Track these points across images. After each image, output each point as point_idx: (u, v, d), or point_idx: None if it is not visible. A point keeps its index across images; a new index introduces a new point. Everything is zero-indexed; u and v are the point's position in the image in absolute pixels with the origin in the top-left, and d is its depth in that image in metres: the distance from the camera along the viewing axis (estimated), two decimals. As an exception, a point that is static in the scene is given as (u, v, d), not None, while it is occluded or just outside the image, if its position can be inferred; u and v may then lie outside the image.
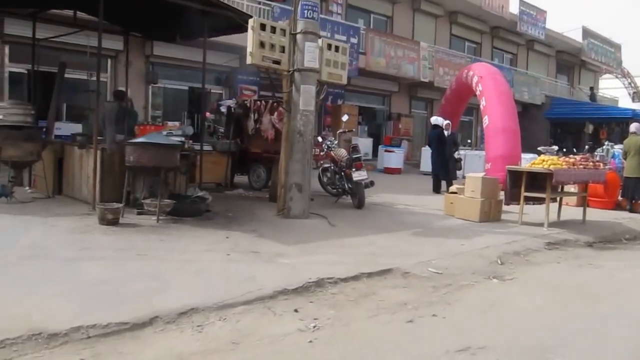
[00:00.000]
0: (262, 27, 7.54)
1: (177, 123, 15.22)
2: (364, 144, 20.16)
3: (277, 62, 7.76)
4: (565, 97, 30.82)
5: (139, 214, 7.53)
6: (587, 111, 27.46)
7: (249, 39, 7.47)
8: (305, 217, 8.16)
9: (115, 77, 15.42)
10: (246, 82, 17.78)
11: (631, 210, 11.42)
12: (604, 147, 15.45)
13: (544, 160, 8.64)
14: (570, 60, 32.63)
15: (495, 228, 8.51)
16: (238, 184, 11.55)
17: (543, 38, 28.48)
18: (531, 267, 6.53)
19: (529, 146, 24.06)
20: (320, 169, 10.64)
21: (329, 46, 8.49)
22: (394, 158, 18.83)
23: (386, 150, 19.08)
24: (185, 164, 8.47)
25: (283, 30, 7.83)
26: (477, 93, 16.45)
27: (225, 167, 10.97)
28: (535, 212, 9.47)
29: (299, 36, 8.00)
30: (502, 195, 9.39)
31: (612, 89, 39.82)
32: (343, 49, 8.72)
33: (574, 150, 24.88)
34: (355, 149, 9.85)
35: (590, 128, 27.20)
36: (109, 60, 15.18)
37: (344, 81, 8.84)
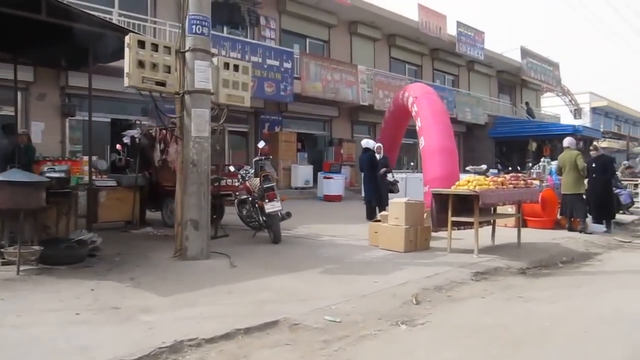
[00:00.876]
0: (141, 44, 6.53)
1: (95, 157, 14.00)
2: (304, 171, 19.31)
3: (162, 84, 6.75)
4: (509, 116, 30.70)
5: (3, 264, 6.35)
6: (530, 129, 27.28)
7: (126, 58, 6.45)
8: (205, 258, 7.09)
9: (26, 111, 14.16)
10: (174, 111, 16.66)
11: (570, 229, 10.71)
12: (541, 163, 14.86)
13: (469, 181, 7.81)
14: (511, 79, 32.66)
15: (421, 258, 7.59)
16: (150, 221, 10.42)
17: (482, 58, 28.35)
18: (451, 304, 5.59)
19: (476, 166, 23.70)
20: (237, 201, 9.60)
21: (227, 65, 7.53)
22: (334, 185, 17.93)
23: (325, 177, 18.18)
24: (66, 202, 7.33)
25: (168, 48, 6.84)
26: (412, 114, 15.78)
27: (132, 204, 9.83)
28: (469, 237, 8.61)
29: (187, 54, 7.02)
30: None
31: (554, 107, 40.18)
32: (244, 68, 7.78)
33: (518, 168, 24.59)
34: (267, 177, 8.87)
35: (533, 145, 26.96)
36: (19, 93, 13.91)
37: (247, 103, 7.87)
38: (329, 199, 17.62)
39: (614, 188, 14.39)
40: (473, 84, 29.96)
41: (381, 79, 22.05)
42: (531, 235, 10.12)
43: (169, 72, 6.79)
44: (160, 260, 7.09)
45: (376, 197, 11.88)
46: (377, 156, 12.60)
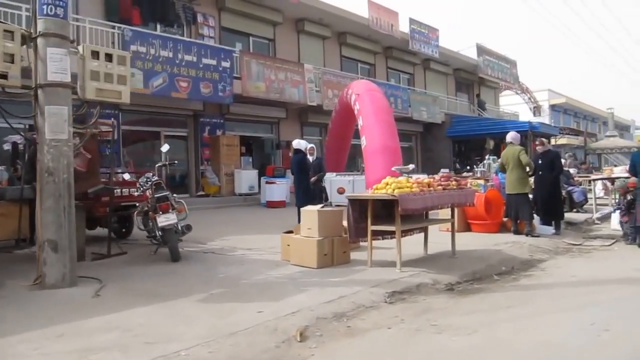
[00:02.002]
0: (-30, 26, 5.24)
1: None
2: (248, 176, 18.08)
3: (4, 76, 5.45)
4: (467, 114, 29.89)
5: None
6: (487, 127, 26.43)
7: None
8: (69, 285, 5.81)
9: None
10: (103, 115, 15.22)
11: (516, 232, 9.68)
12: (486, 161, 13.87)
13: (387, 184, 6.65)
14: (469, 77, 31.90)
15: (334, 276, 6.41)
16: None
17: (438, 56, 27.48)
18: (346, 340, 4.42)
19: (434, 166, 22.66)
20: (135, 213, 8.30)
21: (95, 54, 6.25)
22: (277, 190, 16.71)
23: (268, 182, 16.94)
24: None
25: (10, 33, 5.54)
26: (355, 112, 14.68)
27: (18, 219, 8.44)
28: (406, 244, 7.52)
29: (39, 41, 5.73)
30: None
31: (514, 105, 39.63)
32: (120, 58, 6.51)
33: (474, 167, 23.72)
34: (159, 186, 7.60)
35: (491, 144, 26.14)
36: None
37: (126, 99, 6.60)
38: (272, 205, 16.41)
39: (566, 185, 13.51)
40: (429, 82, 29.06)
41: (330, 78, 20.92)
42: (473, 240, 9.07)
43: (12, 61, 5.49)
44: (14, 289, 5.79)
45: (306, 203, 10.67)
46: (310, 158, 11.43)
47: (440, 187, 7.13)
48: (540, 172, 10.10)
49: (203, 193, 17.64)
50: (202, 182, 17.88)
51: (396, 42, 25.34)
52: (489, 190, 10.41)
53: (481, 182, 10.76)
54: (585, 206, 13.76)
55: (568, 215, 12.45)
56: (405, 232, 7.49)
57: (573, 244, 9.29)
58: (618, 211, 9.77)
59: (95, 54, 6.24)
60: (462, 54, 30.14)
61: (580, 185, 14.63)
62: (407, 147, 27.90)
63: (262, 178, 17.46)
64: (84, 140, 6.81)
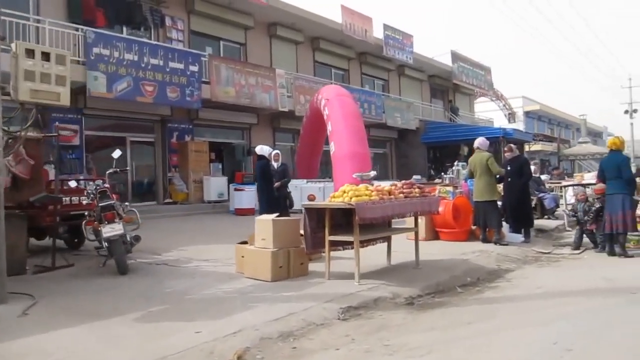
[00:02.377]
0: None
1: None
2: (218, 183, 17.60)
3: None
4: (443, 121, 29.73)
5: None
6: (461, 133, 26.26)
7: None
8: (-2, 303, 5.31)
9: None
10: (64, 120, 14.69)
11: (484, 240, 9.38)
12: (454, 167, 13.61)
13: (344, 192, 6.28)
14: (443, 84, 31.79)
15: (288, 290, 6.00)
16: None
17: (412, 62, 27.28)
18: (289, 364, 4.02)
19: (409, 173, 22.38)
20: (84, 222, 7.78)
21: (30, 52, 5.78)
22: (245, 197, 16.22)
23: (236, 189, 16.47)
24: None
25: None
26: (324, 117, 14.36)
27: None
28: (370, 254, 7.18)
29: (-37, 35, 5.26)
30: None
31: (489, 112, 39.68)
32: (59, 57, 6.05)
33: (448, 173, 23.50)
34: (104, 194, 7.12)
35: (465, 150, 25.93)
36: None
37: (65, 102, 6.13)
38: (240, 212, 15.92)
39: (537, 192, 13.29)
40: (404, 88, 28.85)
41: (302, 84, 20.54)
42: (440, 249, 8.73)
43: None
44: None
45: (269, 211, 10.24)
46: (275, 165, 11.02)
47: (402, 194, 6.77)
48: (509, 179, 9.82)
49: (170, 200, 17.10)
50: (170, 189, 17.34)
51: (370, 48, 25.09)
52: (457, 197, 10.11)
53: (450, 189, 10.46)
54: (556, 212, 13.53)
55: (539, 223, 12.21)
56: (366, 242, 7.15)
57: (542, 253, 9.02)
58: (573, 217, 9.50)
59: (30, 53, 5.77)
60: (436, 60, 30.00)
61: (552, 191, 14.42)
62: (381, 153, 27.69)
63: (230, 185, 16.99)
64: (18, 145, 6.31)
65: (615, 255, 8.27)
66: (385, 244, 7.56)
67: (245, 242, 7.06)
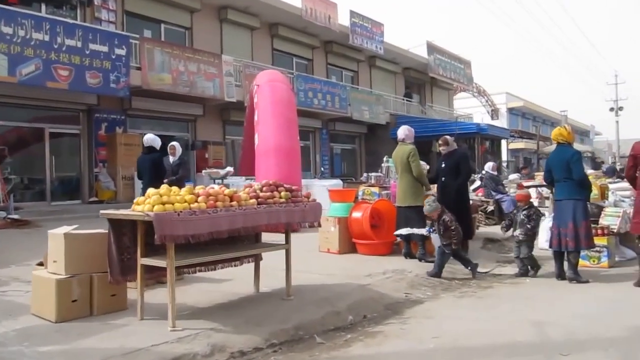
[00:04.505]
0: None
1: None
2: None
3: None
4: (418, 116, 27.66)
5: None
6: (433, 128, 24.21)
7: None
8: None
9: None
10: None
11: (408, 255, 7.36)
12: (384, 164, 11.59)
13: (148, 197, 4.22)
14: (420, 77, 29.70)
15: (65, 340, 3.98)
16: None
17: (382, 53, 25.20)
18: None
19: (378, 170, 20.41)
20: None
21: None
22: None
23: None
24: None
25: None
26: (254, 105, 12.30)
27: None
28: (229, 275, 5.21)
29: None
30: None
31: (471, 108, 37.67)
32: None
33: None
34: None
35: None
36: None
37: None
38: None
39: (494, 193, 11.29)
40: (376, 81, 26.77)
41: (254, 72, 18.40)
42: (343, 268, 6.74)
43: None
44: None
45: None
46: (170, 159, 8.99)
47: (254, 200, 4.72)
48: (443, 178, 7.79)
49: (96, 199, 15.04)
50: (96, 186, 15.29)
51: (336, 36, 23.02)
52: (379, 201, 8.07)
53: (375, 190, 8.43)
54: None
55: (491, 230, 10.24)
56: (220, 263, 5.13)
57: (480, 272, 6.99)
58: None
59: None
60: (411, 52, 27.91)
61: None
62: (349, 149, 25.71)
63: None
64: None
65: (565, 280, 6.26)
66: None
67: (40, 264, 5.03)
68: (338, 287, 5.75)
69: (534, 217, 6.68)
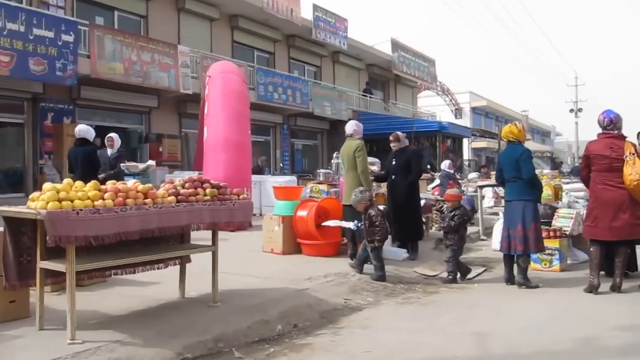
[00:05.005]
0: None
1: None
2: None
3: None
4: (382, 113, 27.35)
5: None
6: (396, 125, 23.94)
7: None
8: None
9: None
10: None
11: (354, 257, 6.93)
12: (333, 160, 11.20)
13: (44, 191, 3.68)
14: (384, 74, 29.41)
15: None
16: None
17: (346, 48, 24.79)
18: None
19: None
20: None
21: None
22: (125, 190, 13.49)
23: (113, 181, 13.70)
24: None
25: None
26: (205, 98, 11.76)
27: None
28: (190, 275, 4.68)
29: None
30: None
31: (436, 106, 37.62)
32: None
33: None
34: None
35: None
36: None
37: None
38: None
39: (451, 192, 10.95)
40: (339, 77, 26.34)
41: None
42: (282, 269, 6.31)
43: None
44: None
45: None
46: (108, 151, 8.39)
47: (172, 197, 4.23)
48: (393, 176, 7.42)
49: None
50: (40, 179, 14.44)
51: (299, 30, 22.50)
52: (325, 199, 7.64)
53: (324, 187, 8.00)
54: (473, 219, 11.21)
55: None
56: (143, 265, 4.63)
57: (426, 275, 6.64)
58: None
59: None
60: (375, 48, 27.57)
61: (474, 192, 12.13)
62: (311, 145, 25.29)
63: (109, 176, 14.21)
64: None
65: (514, 285, 5.94)
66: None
67: None
68: (273, 292, 5.30)
69: (457, 219, 6.28)
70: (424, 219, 9.42)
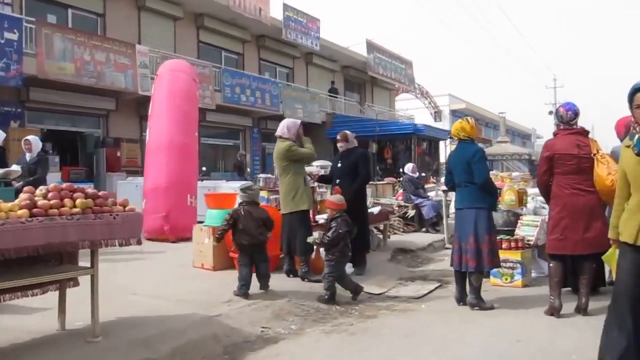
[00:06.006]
0: None
1: None
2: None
3: None
4: (357, 115, 26.54)
5: None
6: (370, 128, 23.16)
7: None
8: None
9: None
10: None
11: (290, 272, 6.09)
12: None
13: None
14: (359, 76, 28.64)
15: None
16: None
17: (319, 49, 23.98)
18: None
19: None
20: None
21: None
22: (72, 198, 12.53)
23: (58, 188, 12.73)
24: None
25: None
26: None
27: None
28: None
29: None
30: None
31: (415, 109, 36.95)
32: None
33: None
34: None
35: (374, 147, 22.94)
36: None
37: None
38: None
39: (414, 197, 10.18)
40: (313, 79, 25.52)
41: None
42: (204, 290, 5.47)
43: None
44: None
45: None
46: (27, 156, 7.45)
47: (25, 211, 3.34)
48: (338, 180, 6.58)
49: (-16, 200, 13.21)
50: (-16, 186, 13.43)
51: (268, 30, 21.65)
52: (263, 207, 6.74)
53: (263, 194, 7.13)
54: (439, 226, 10.40)
55: (409, 238, 9.15)
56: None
57: (371, 294, 5.78)
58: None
59: None
60: (350, 49, 26.79)
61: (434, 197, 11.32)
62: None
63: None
64: None
65: (466, 305, 5.10)
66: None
67: None
68: (177, 320, 4.42)
69: (332, 233, 5.32)
70: (380, 228, 8.63)
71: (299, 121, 6.44)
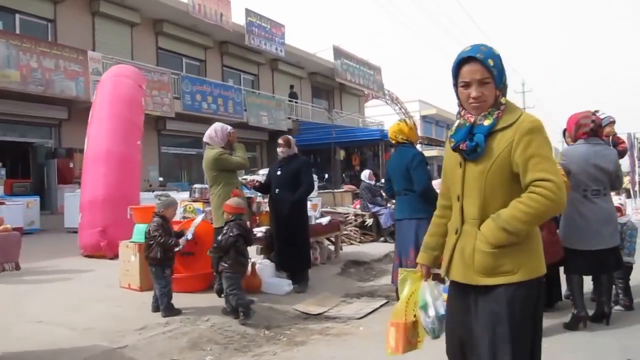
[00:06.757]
0: None
1: None
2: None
3: None
4: (324, 122, 26.04)
5: None
6: (337, 135, 22.69)
7: None
8: None
9: None
10: None
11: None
12: None
13: None
14: (327, 83, 28.21)
15: None
16: None
17: (283, 55, 23.47)
18: None
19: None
20: None
21: None
22: (15, 212, 11.77)
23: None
24: None
25: None
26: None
27: None
28: None
29: None
30: None
31: (385, 116, 36.61)
32: None
33: (325, 179, 20.21)
34: None
35: (342, 154, 22.49)
36: None
37: None
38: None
39: (371, 205, 9.69)
40: (279, 85, 24.98)
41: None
42: (117, 315, 4.87)
43: None
44: None
45: None
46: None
47: None
48: (277, 190, 6.03)
49: None
50: None
51: (231, 37, 21.08)
52: (189, 221, 6.15)
53: (199, 205, 6.55)
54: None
55: (365, 249, 8.64)
56: None
57: (308, 314, 5.23)
58: None
59: None
60: (317, 56, 26.34)
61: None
62: (250, 157, 23.68)
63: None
64: None
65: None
66: None
67: None
68: (75, 354, 3.82)
69: (222, 237, 4.83)
70: (332, 239, 8.11)
71: (228, 126, 5.84)
